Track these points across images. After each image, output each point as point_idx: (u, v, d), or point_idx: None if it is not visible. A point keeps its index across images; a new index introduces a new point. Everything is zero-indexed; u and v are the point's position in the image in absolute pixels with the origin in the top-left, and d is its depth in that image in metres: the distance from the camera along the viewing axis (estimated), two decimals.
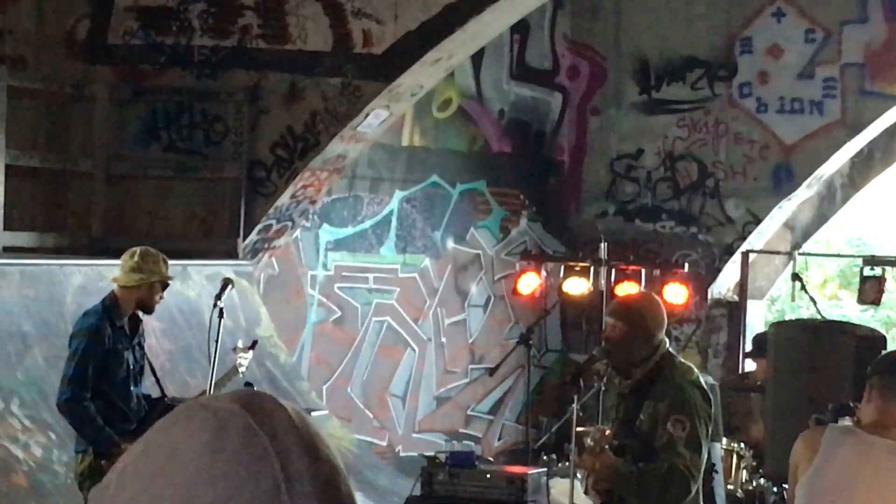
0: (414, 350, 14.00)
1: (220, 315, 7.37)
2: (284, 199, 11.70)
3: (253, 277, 11.85)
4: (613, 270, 13.27)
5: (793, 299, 13.25)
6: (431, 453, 10.54)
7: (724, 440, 9.72)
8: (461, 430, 14.52)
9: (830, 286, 22.40)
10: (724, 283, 15.06)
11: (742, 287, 14.88)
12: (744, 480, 9.87)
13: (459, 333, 14.48)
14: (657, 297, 7.21)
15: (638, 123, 15.31)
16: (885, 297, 13.88)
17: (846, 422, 6.16)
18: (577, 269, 13.49)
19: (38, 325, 9.56)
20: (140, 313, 7.80)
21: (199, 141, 11.73)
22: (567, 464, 8.23)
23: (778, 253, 15.10)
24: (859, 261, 13.98)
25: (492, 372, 12.33)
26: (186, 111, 11.75)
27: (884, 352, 7.52)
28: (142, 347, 7.88)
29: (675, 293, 13.31)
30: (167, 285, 7.80)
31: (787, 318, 16.63)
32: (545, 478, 9.47)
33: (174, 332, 10.44)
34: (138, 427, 7.65)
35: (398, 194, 13.80)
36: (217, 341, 7.27)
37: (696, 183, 15.08)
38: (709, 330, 14.98)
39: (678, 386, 6.47)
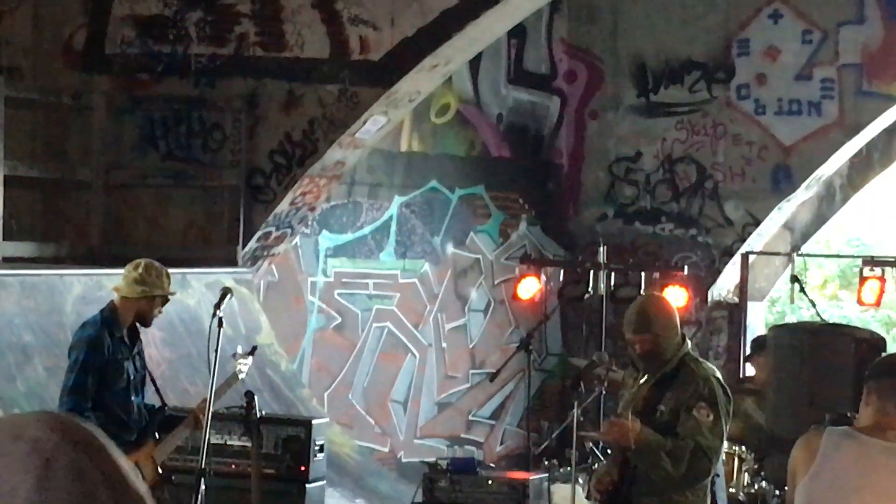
0: (415, 356, 13.99)
1: (220, 324, 7.37)
2: (283, 206, 11.70)
3: (252, 285, 11.85)
4: (613, 273, 13.25)
5: (792, 301, 13.24)
6: (433, 459, 10.55)
7: (726, 444, 9.71)
8: (462, 436, 14.51)
9: (830, 287, 22.39)
10: (724, 285, 15.05)
11: (742, 289, 14.86)
12: (745, 483, 9.86)
13: (460, 338, 14.47)
14: (660, 294, 7.45)
15: (636, 126, 15.31)
16: (885, 298, 13.86)
17: None
18: (577, 272, 13.48)
19: (38, 335, 9.55)
20: (137, 325, 7.81)
21: (198, 149, 11.73)
22: (568, 469, 8.24)
23: (777, 254, 15.09)
24: (859, 261, 13.97)
25: (493, 377, 12.31)
26: (184, 119, 11.75)
27: (883, 354, 7.53)
28: (142, 357, 7.89)
29: (675, 296, 13.24)
30: (167, 300, 7.82)
31: (786, 320, 16.61)
32: (547, 483, 9.48)
33: (174, 340, 10.44)
34: (139, 437, 7.66)
35: (397, 200, 13.80)
36: (217, 350, 7.27)
37: (694, 185, 15.07)
38: (709, 332, 14.97)
39: (704, 377, 6.82)
